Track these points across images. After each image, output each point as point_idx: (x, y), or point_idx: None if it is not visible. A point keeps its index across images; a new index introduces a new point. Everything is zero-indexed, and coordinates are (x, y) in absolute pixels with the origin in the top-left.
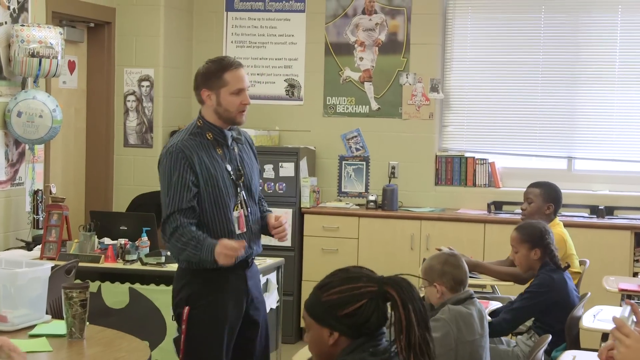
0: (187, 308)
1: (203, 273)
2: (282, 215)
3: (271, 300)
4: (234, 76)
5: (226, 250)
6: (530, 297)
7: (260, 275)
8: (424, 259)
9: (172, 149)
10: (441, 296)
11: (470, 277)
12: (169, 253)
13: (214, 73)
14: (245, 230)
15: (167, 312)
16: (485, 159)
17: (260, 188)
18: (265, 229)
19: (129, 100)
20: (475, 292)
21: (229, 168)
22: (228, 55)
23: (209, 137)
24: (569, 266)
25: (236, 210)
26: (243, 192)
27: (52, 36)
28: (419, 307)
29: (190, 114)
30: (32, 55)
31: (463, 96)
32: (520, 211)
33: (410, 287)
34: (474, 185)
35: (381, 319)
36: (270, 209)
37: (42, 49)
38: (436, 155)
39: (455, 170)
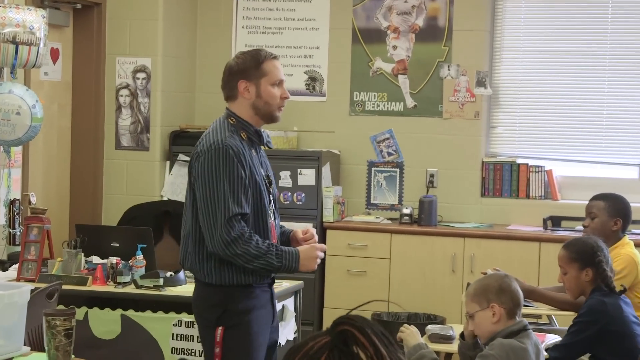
0: (221, 329)
1: (233, 290)
2: (310, 228)
3: (288, 330)
4: (274, 66)
5: (314, 253)
6: (580, 329)
7: (276, 301)
8: (468, 284)
9: (218, 145)
10: (498, 321)
11: (523, 305)
12: (168, 274)
13: (252, 63)
14: (276, 241)
15: (165, 344)
16: (541, 166)
17: None
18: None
19: (121, 95)
20: (529, 323)
21: (263, 173)
22: (263, 48)
23: (243, 137)
24: (625, 290)
25: (269, 219)
26: (272, 200)
27: (33, 19)
28: (378, 330)
29: (193, 111)
30: (9, 42)
31: (515, 92)
32: (582, 228)
33: (362, 318)
34: (528, 197)
35: None
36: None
37: (21, 35)
38: (483, 162)
39: (505, 179)
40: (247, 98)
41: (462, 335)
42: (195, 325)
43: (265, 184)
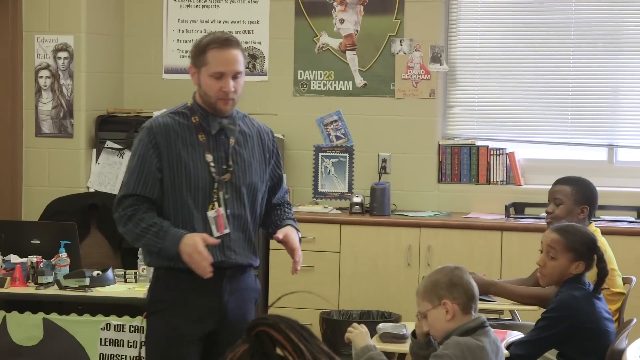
0: (144, 315)
1: (173, 273)
2: (290, 232)
3: None
4: (217, 56)
5: (195, 247)
6: (549, 325)
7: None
8: (423, 278)
9: (145, 125)
10: (452, 318)
11: (482, 300)
12: (94, 273)
13: (200, 48)
14: (227, 230)
15: (93, 350)
16: (503, 149)
17: (287, 190)
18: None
19: (41, 77)
20: (489, 319)
21: (210, 159)
22: (224, 32)
23: (194, 121)
24: (599, 284)
25: (212, 208)
26: (225, 190)
27: None
28: (294, 324)
29: (122, 93)
30: None
31: (473, 68)
32: (545, 215)
33: (276, 316)
34: (488, 182)
35: None
36: (294, 218)
37: None
38: (439, 145)
39: (463, 163)
40: (195, 84)
41: (413, 333)
42: (125, 329)
43: (213, 171)
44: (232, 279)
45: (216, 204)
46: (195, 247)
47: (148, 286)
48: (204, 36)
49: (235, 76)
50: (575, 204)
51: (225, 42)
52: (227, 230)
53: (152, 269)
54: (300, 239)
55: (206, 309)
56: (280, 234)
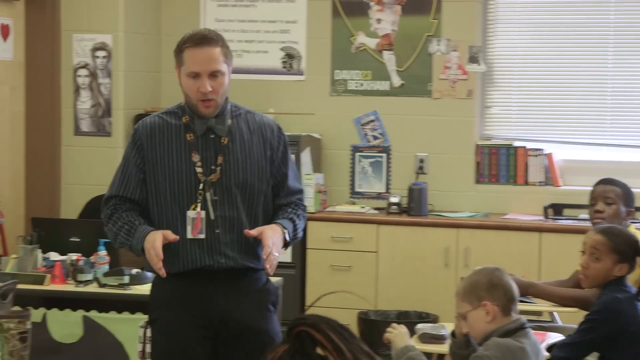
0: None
1: (165, 279)
2: (266, 229)
3: None
4: (191, 56)
5: (152, 247)
6: (592, 327)
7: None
8: (462, 279)
9: (135, 126)
10: (492, 320)
11: (521, 301)
12: (134, 271)
13: (178, 47)
14: (202, 235)
15: (132, 347)
16: (541, 150)
17: (300, 190)
18: None
19: (80, 76)
20: (528, 320)
21: (196, 159)
22: (205, 29)
23: (184, 120)
24: None
25: (194, 209)
26: (213, 191)
27: None
28: (335, 324)
29: (159, 92)
30: None
31: (511, 68)
32: (586, 216)
33: (316, 316)
34: (526, 183)
35: None
36: (292, 217)
37: None
38: (477, 145)
39: (501, 164)
40: (179, 84)
41: (452, 333)
42: None
43: (199, 171)
44: (226, 283)
45: (199, 205)
46: (153, 243)
47: None
48: (186, 35)
49: (213, 75)
50: (624, 205)
51: (200, 40)
52: (201, 235)
53: None
54: (288, 240)
55: (200, 314)
56: (254, 230)
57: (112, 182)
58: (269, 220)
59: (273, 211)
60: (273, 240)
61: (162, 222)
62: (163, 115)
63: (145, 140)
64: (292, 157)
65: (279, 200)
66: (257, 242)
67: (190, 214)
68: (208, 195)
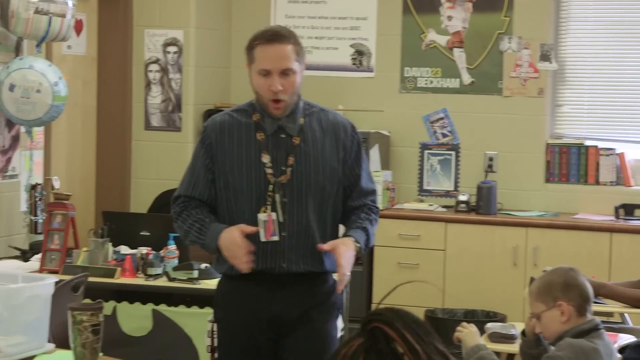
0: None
1: (228, 280)
2: (340, 245)
3: None
4: (262, 53)
5: (233, 243)
6: None
7: None
8: (532, 279)
9: (205, 124)
10: (567, 321)
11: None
12: (203, 266)
13: (248, 46)
14: (275, 237)
15: (200, 341)
16: (612, 149)
17: (373, 190)
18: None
19: (151, 71)
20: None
21: (266, 159)
22: (278, 25)
23: (255, 118)
24: None
25: (264, 211)
26: (283, 193)
27: None
28: (410, 320)
29: (229, 88)
30: (41, 13)
31: (583, 67)
32: None
33: (391, 311)
34: (597, 182)
35: None
36: (365, 225)
37: (50, 4)
38: (547, 144)
39: (572, 163)
40: (250, 82)
41: (523, 332)
42: None
43: (270, 172)
44: (286, 285)
45: (269, 207)
46: (233, 240)
47: None
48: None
49: (284, 73)
50: None
51: (272, 36)
52: (274, 238)
53: None
54: (358, 251)
55: (262, 316)
56: (327, 245)
57: (182, 180)
58: (338, 223)
59: (345, 213)
60: (346, 258)
61: (232, 224)
62: (233, 113)
63: (214, 139)
64: (366, 157)
65: (352, 202)
66: None
67: (262, 216)
68: (277, 197)
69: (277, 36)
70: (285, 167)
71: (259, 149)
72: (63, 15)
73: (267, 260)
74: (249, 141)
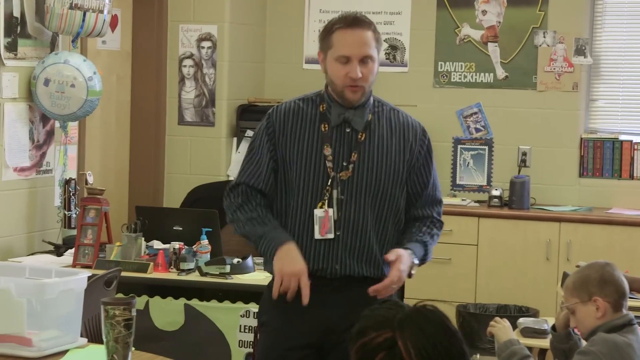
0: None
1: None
2: (399, 261)
3: None
4: (343, 38)
5: (293, 273)
6: None
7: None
8: (565, 274)
9: (268, 111)
10: (602, 316)
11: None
12: (235, 260)
13: (323, 32)
14: (330, 235)
15: (232, 336)
16: None
17: (439, 201)
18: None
19: (185, 66)
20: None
21: (328, 152)
22: (356, 12)
23: (321, 109)
24: None
25: (321, 207)
26: (340, 190)
27: None
28: (430, 345)
29: (263, 83)
30: (76, 8)
31: (618, 61)
32: None
33: (424, 322)
34: (632, 177)
35: None
36: (425, 239)
37: (85, 0)
38: (581, 139)
39: (606, 157)
40: (323, 71)
41: (553, 327)
42: None
43: (329, 165)
44: (339, 291)
45: (327, 202)
46: (294, 270)
47: None
48: (332, 19)
49: (364, 60)
50: None
51: (353, 21)
52: (330, 235)
53: None
54: (413, 268)
55: (307, 321)
56: (392, 254)
57: (242, 169)
58: (398, 230)
59: (406, 222)
60: (402, 270)
61: (286, 217)
62: (299, 102)
63: (278, 128)
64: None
65: (415, 211)
66: (381, 252)
67: (318, 212)
68: (335, 193)
69: (358, 21)
70: (347, 162)
71: (322, 141)
72: (98, 11)
73: (320, 261)
74: (312, 132)
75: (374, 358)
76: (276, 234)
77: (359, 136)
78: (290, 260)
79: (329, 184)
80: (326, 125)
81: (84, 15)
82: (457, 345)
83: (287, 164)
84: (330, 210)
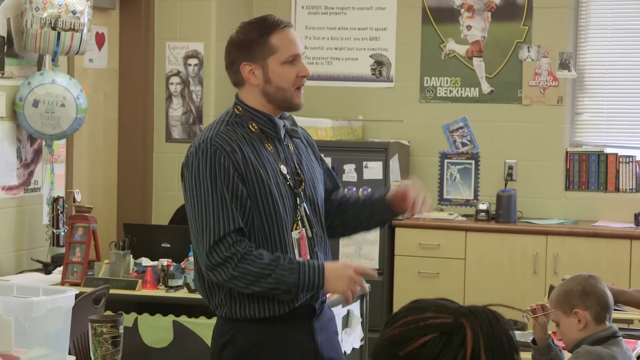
0: None
1: (252, 326)
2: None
3: (354, 337)
4: (284, 38)
5: (346, 272)
6: None
7: (338, 319)
8: (552, 286)
9: (205, 145)
10: (584, 328)
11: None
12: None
13: (256, 38)
14: (308, 257)
15: None
16: (632, 157)
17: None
18: (381, 212)
19: (172, 83)
20: (619, 329)
21: (285, 171)
22: (270, 14)
23: (252, 129)
24: None
25: (296, 229)
26: (305, 205)
27: (76, 1)
28: (496, 340)
29: None
30: (50, 27)
31: (602, 75)
32: None
33: (494, 319)
34: (617, 190)
35: None
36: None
37: (63, 19)
38: (567, 152)
39: (592, 170)
40: (255, 84)
41: (533, 340)
42: None
43: (290, 184)
44: (319, 315)
45: (299, 223)
46: (345, 274)
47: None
48: (243, 27)
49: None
50: None
51: (282, 21)
52: (308, 257)
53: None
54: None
55: (300, 353)
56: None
57: (214, 220)
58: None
59: (339, 203)
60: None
61: (264, 246)
62: (229, 128)
63: (235, 158)
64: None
65: (336, 196)
66: None
67: (294, 234)
68: (302, 210)
69: (287, 22)
70: (298, 177)
71: (275, 161)
72: (73, 30)
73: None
74: (262, 154)
75: (422, 336)
76: (302, 267)
77: (290, 147)
78: (338, 273)
79: (298, 202)
80: (269, 144)
81: (59, 35)
82: (511, 356)
83: (258, 195)
84: (304, 230)
